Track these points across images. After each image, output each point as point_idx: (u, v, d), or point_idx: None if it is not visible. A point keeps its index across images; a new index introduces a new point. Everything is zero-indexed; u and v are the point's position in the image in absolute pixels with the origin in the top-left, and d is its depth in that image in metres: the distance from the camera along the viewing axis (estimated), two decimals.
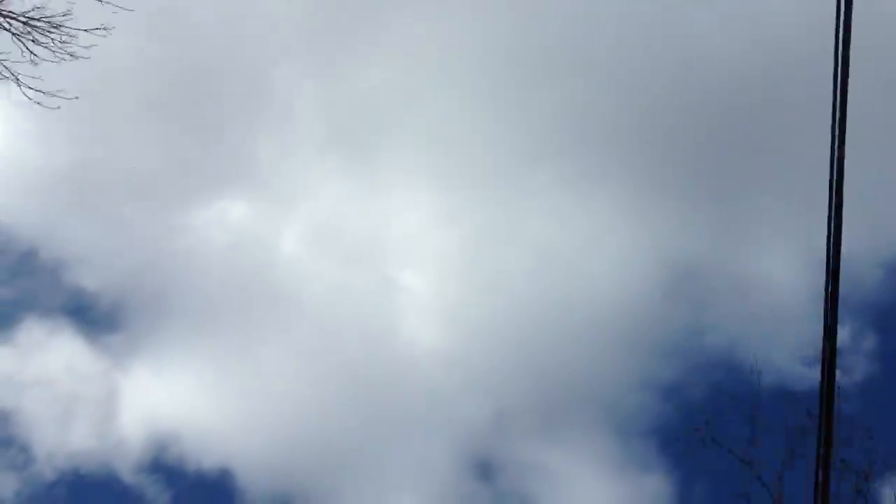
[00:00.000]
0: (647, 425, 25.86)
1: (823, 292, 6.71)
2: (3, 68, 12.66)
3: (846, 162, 6.71)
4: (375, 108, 27.79)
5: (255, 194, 29.20)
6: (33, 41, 12.64)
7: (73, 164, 29.25)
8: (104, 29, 12.93)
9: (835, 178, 6.02)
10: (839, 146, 6.35)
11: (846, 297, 22.94)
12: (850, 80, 6.05)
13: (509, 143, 28.28)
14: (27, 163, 29.08)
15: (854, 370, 23.93)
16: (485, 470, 25.73)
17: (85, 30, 12.79)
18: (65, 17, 12.65)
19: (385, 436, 26.62)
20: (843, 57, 5.98)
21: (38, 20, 12.61)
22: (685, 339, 26.74)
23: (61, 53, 12.71)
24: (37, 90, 12.71)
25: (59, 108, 12.91)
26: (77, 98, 12.94)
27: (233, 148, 28.93)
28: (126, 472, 25.20)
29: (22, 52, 12.60)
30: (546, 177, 28.64)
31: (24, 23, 12.58)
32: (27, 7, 12.59)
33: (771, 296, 26.45)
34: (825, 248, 6.30)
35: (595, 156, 28.02)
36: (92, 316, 27.90)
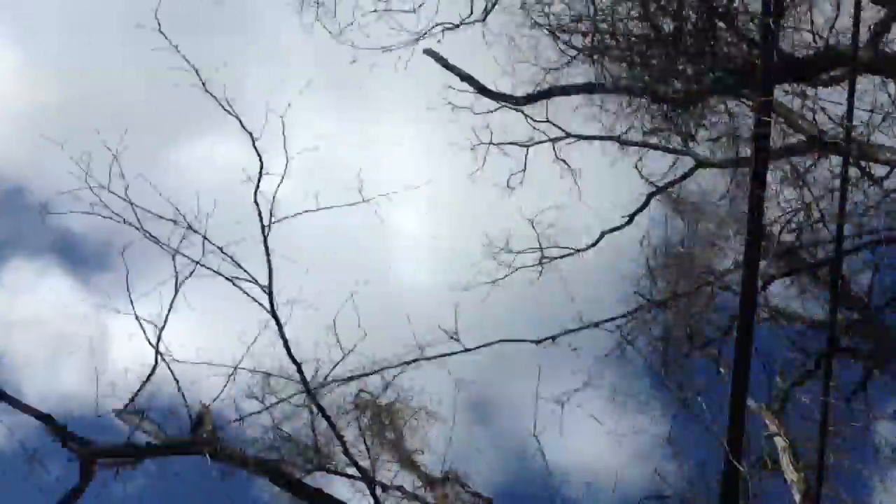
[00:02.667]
0: (643, 362, 26.05)
1: None
2: None
3: None
4: (366, 40, 27.51)
5: (243, 131, 29.07)
6: None
7: (61, 98, 29.21)
8: None
9: None
10: None
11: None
12: None
13: (505, 73, 28.01)
14: (10, 99, 29.07)
15: None
16: (479, 410, 26.01)
17: None
18: None
19: None
20: None
21: None
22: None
23: None
24: None
25: None
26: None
27: (220, 83, 28.70)
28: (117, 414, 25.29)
29: None
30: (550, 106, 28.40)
31: None
32: None
33: None
34: None
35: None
36: (80, 254, 28.00)
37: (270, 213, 24.11)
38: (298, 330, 23.54)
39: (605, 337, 26.80)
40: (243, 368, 23.56)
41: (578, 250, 25.88)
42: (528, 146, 25.13)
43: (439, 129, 28.96)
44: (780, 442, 23.69)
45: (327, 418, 23.53)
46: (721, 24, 21.96)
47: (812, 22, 21.73)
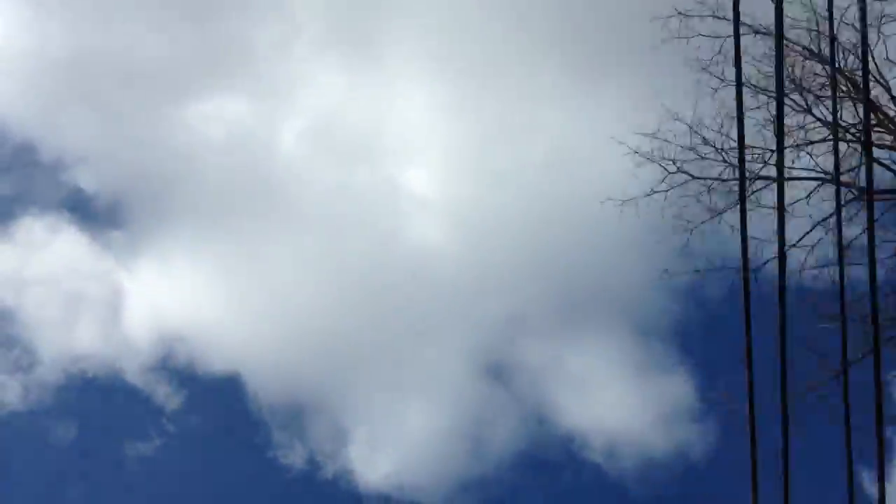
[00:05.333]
0: (666, 326, 26.18)
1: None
2: None
3: None
4: None
5: (253, 89, 29.18)
6: None
7: (71, 54, 29.32)
8: None
9: None
10: None
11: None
12: None
13: (519, 30, 27.98)
14: (22, 53, 29.20)
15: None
16: (499, 373, 26.25)
17: None
18: None
19: (396, 340, 27.11)
20: None
21: None
22: (701, 237, 26.87)
23: None
24: None
25: None
26: None
27: (231, 40, 28.82)
28: (133, 374, 25.81)
29: None
30: (558, 66, 28.35)
31: None
32: None
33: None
34: None
35: (611, 45, 27.72)
36: (92, 212, 28.21)
37: None
38: None
39: None
40: None
41: None
42: None
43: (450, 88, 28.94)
44: None
45: None
46: None
47: None
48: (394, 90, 29.38)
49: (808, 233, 18.05)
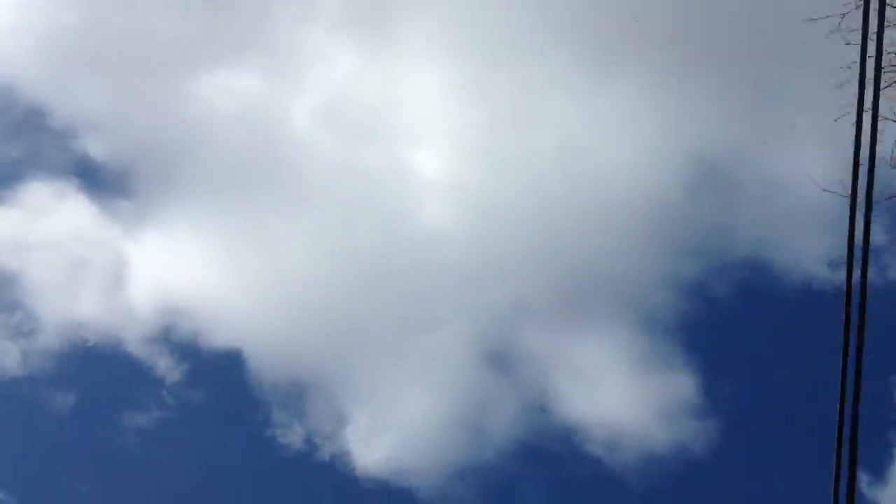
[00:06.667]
0: (671, 322, 26.17)
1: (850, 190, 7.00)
2: None
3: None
4: None
5: (267, 65, 29.22)
6: None
7: (83, 21, 29.36)
8: None
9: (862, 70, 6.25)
10: (878, 43, 6.56)
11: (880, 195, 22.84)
12: None
13: (532, 19, 27.98)
14: (36, 18, 29.24)
15: (890, 268, 24.05)
16: (501, 360, 26.24)
17: None
18: None
19: (399, 322, 27.11)
20: None
21: None
22: (710, 235, 26.90)
23: None
24: None
25: None
26: None
27: (247, 15, 28.85)
28: (134, 344, 25.88)
29: None
30: (570, 56, 28.36)
31: None
32: None
33: (801, 195, 26.46)
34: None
35: (623, 36, 27.68)
36: (100, 180, 28.25)
37: None
38: None
39: None
40: None
41: None
42: None
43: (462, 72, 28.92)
44: None
45: None
46: None
47: None
48: (407, 72, 29.43)
49: None
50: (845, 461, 7.14)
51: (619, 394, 25.92)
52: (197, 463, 26.08)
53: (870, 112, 6.83)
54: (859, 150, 6.74)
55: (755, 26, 26.84)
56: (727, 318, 26.73)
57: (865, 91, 6.85)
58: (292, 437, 25.46)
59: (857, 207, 6.99)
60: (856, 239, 6.89)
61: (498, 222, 27.66)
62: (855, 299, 6.85)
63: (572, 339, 26.75)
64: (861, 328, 7.52)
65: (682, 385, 25.39)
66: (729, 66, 27.27)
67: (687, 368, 25.65)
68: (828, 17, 16.47)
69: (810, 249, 25.04)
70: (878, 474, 22.98)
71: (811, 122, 26.33)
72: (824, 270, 23.83)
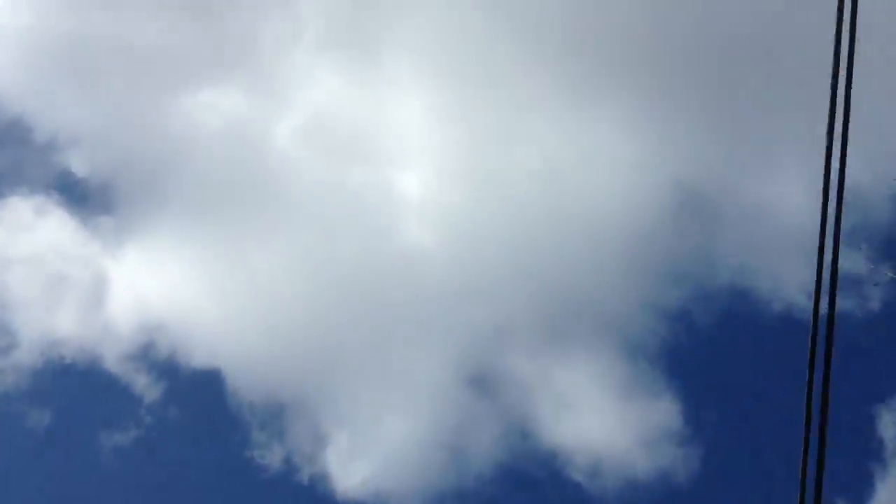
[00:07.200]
0: (653, 348, 26.17)
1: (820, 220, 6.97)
2: None
3: (856, 87, 6.90)
4: (378, 2, 27.71)
5: (252, 83, 29.27)
6: None
7: (69, 34, 29.31)
8: None
9: (839, 103, 6.22)
10: (847, 71, 6.54)
11: (858, 226, 22.81)
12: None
13: (516, 42, 28.13)
14: (21, 29, 29.19)
15: (871, 299, 24.14)
16: (483, 383, 26.19)
17: None
18: None
19: (380, 343, 27.07)
20: None
21: None
22: (693, 262, 26.96)
23: None
24: None
25: None
26: None
27: (233, 33, 28.91)
28: (112, 362, 25.73)
29: None
30: (553, 79, 28.48)
31: None
32: None
33: (783, 222, 26.54)
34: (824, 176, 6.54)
35: (605, 59, 27.83)
36: (81, 195, 28.14)
37: None
38: None
39: None
40: None
41: None
42: None
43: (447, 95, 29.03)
44: None
45: None
46: None
47: None
48: (391, 93, 29.50)
49: None
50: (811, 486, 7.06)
51: (601, 419, 25.91)
52: (175, 483, 25.92)
53: (839, 139, 6.81)
54: (829, 177, 6.72)
55: (738, 53, 27.02)
56: (709, 345, 26.77)
57: (836, 119, 6.84)
58: (271, 457, 25.36)
59: (825, 235, 6.96)
60: (824, 267, 6.85)
61: (480, 244, 27.69)
62: (822, 330, 6.80)
63: (554, 363, 26.74)
64: (828, 358, 7.46)
65: (664, 411, 25.39)
66: (711, 92, 27.41)
67: (669, 395, 25.66)
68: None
69: (791, 277, 25.16)
70: None
71: (792, 150, 26.47)
72: (804, 299, 23.90)
